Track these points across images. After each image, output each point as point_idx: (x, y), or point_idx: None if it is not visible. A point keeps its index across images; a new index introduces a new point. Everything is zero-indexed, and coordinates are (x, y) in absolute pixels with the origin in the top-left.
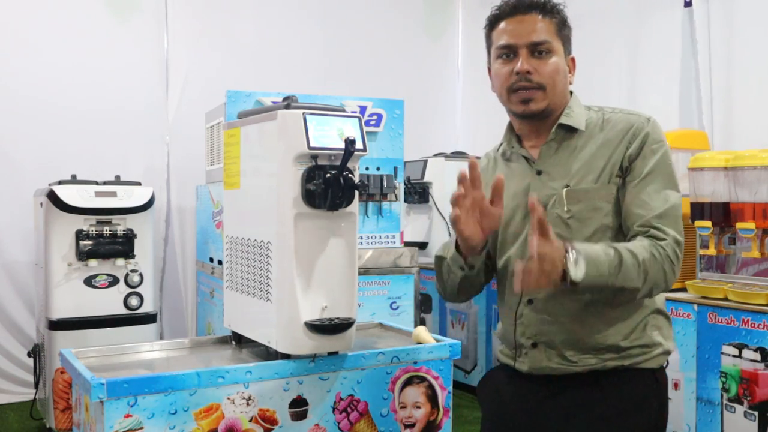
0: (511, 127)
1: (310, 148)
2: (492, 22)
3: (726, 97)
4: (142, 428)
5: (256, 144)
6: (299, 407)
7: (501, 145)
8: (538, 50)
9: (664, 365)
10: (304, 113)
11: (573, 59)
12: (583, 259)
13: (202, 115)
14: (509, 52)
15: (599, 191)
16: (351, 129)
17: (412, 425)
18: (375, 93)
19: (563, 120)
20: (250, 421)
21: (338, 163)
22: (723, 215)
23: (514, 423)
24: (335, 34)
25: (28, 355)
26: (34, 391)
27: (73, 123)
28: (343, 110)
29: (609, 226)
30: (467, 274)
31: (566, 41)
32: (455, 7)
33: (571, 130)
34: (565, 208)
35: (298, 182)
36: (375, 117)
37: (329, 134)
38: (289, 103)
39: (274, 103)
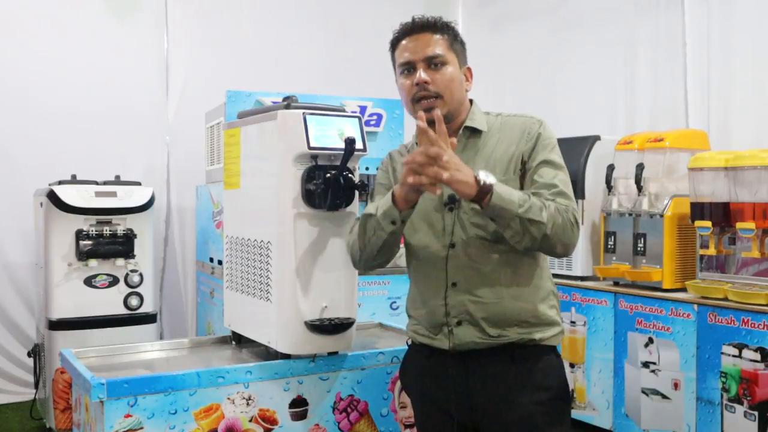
0: None
1: (310, 148)
2: (393, 44)
3: (724, 97)
4: (142, 428)
5: (256, 144)
6: (299, 407)
7: (410, 146)
8: (433, 63)
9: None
10: (304, 113)
11: (469, 69)
12: (492, 176)
13: (202, 115)
14: (409, 67)
15: (507, 183)
16: (351, 129)
17: (412, 425)
18: (375, 93)
19: (468, 123)
20: (250, 421)
21: (338, 163)
22: (723, 215)
23: (439, 399)
24: (335, 34)
25: (28, 355)
26: (34, 391)
27: (73, 123)
28: (343, 110)
29: None
30: (396, 229)
31: (460, 54)
32: (455, 7)
33: (474, 132)
34: None
35: (298, 182)
36: (375, 117)
37: (329, 134)
38: (289, 103)
39: (274, 103)
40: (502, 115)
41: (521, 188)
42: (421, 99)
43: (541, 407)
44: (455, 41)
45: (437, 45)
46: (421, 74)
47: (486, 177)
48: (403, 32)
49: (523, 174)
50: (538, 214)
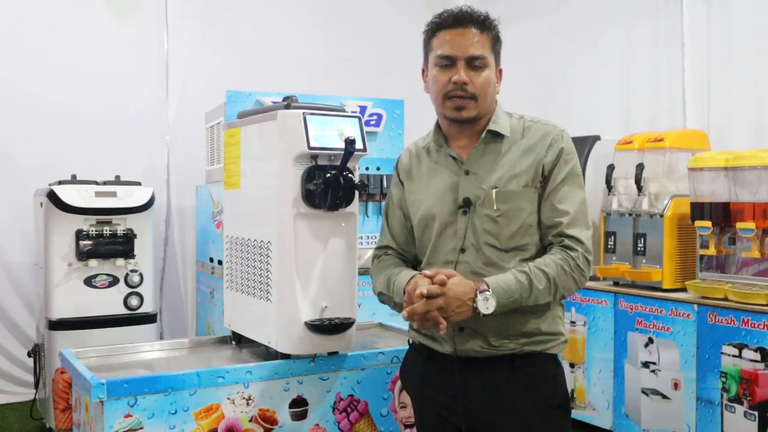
0: (438, 127)
1: (310, 148)
2: (433, 30)
3: (724, 97)
4: (142, 428)
5: (256, 144)
6: (299, 407)
7: (426, 141)
8: (474, 63)
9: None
10: (304, 113)
11: (501, 71)
12: (492, 295)
13: (202, 115)
14: (448, 62)
15: (524, 193)
16: (351, 129)
17: (412, 425)
18: (375, 93)
19: (491, 126)
20: (250, 421)
21: (338, 163)
22: (723, 215)
23: (438, 401)
24: (335, 34)
25: (28, 355)
26: (34, 391)
27: (73, 123)
28: (343, 110)
29: (531, 224)
30: None
31: (497, 55)
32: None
33: (496, 135)
34: (495, 207)
35: (298, 182)
36: (375, 117)
37: (329, 134)
38: (289, 103)
39: (274, 103)
40: (524, 119)
41: (539, 201)
42: (453, 97)
43: (542, 416)
44: (497, 41)
45: (482, 45)
46: (462, 75)
47: (485, 306)
48: (448, 22)
49: (543, 184)
50: (543, 296)
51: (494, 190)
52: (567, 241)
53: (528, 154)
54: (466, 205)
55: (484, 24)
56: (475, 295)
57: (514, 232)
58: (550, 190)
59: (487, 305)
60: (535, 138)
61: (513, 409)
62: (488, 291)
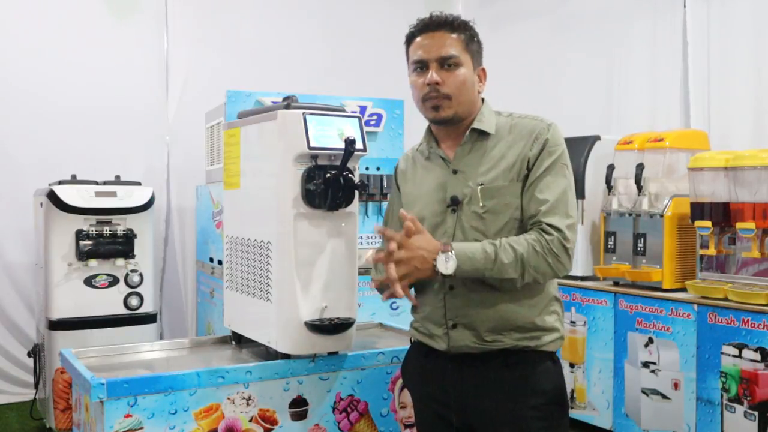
0: (430, 130)
1: (310, 148)
2: (408, 39)
3: (724, 97)
4: (142, 428)
5: (256, 144)
6: (299, 407)
7: (421, 144)
8: (447, 63)
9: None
10: (304, 113)
11: (483, 70)
12: (454, 257)
13: (202, 115)
14: (422, 65)
15: (509, 188)
16: (351, 129)
17: (412, 425)
18: (375, 93)
19: (476, 125)
20: (250, 421)
21: (338, 163)
22: (723, 215)
23: (436, 398)
24: (335, 34)
25: (28, 355)
26: (34, 391)
27: (73, 123)
28: (343, 110)
29: (518, 218)
30: None
31: (474, 55)
32: (455, 8)
33: (482, 134)
34: (480, 204)
35: (298, 182)
36: (375, 117)
37: (329, 134)
38: (289, 103)
39: (274, 103)
40: (512, 116)
41: (521, 194)
42: (429, 98)
43: (536, 412)
44: (472, 41)
45: (452, 45)
46: (433, 75)
47: (444, 266)
48: (420, 28)
49: (527, 178)
50: (506, 271)
51: (479, 187)
52: (544, 226)
53: (514, 149)
54: (454, 203)
55: (453, 25)
56: (437, 254)
57: (501, 228)
58: (532, 180)
59: (447, 265)
60: (521, 134)
61: (506, 406)
62: (451, 252)
